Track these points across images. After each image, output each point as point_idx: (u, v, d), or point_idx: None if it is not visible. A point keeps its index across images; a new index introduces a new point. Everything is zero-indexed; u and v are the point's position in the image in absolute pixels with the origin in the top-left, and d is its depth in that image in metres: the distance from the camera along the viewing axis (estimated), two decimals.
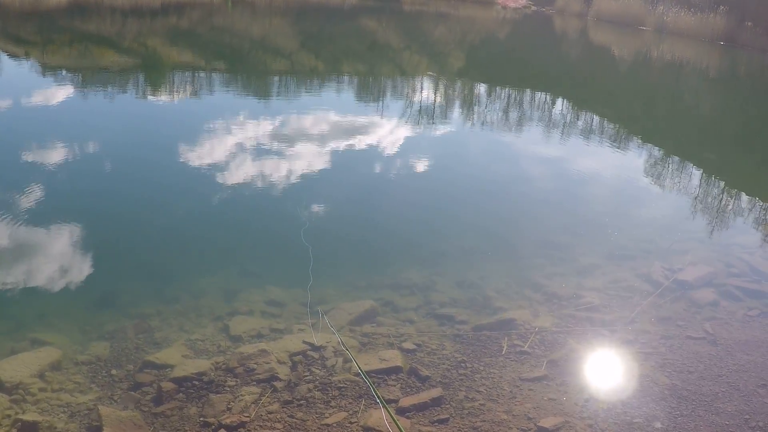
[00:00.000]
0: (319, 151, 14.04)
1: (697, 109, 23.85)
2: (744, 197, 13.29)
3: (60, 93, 18.56)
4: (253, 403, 5.82)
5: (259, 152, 13.66)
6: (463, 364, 6.61)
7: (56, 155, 12.61)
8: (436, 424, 5.64)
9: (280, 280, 8.43)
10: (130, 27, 33.86)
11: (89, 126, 15.34)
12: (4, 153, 12.78)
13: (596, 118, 20.92)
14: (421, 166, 13.94)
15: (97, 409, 5.61)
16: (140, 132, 15.20)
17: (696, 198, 12.84)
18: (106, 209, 10.48)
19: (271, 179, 12.13)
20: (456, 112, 20.88)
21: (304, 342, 6.82)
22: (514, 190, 12.88)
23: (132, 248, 9.30)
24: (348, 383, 6.17)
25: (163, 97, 19.70)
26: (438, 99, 22.83)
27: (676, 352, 7.02)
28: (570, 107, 23.12)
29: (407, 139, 16.18)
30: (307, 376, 6.29)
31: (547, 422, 5.66)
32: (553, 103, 23.61)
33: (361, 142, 15.20)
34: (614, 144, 17.45)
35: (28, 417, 5.47)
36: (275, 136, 15.07)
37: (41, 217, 9.77)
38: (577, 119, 21.04)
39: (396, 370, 6.41)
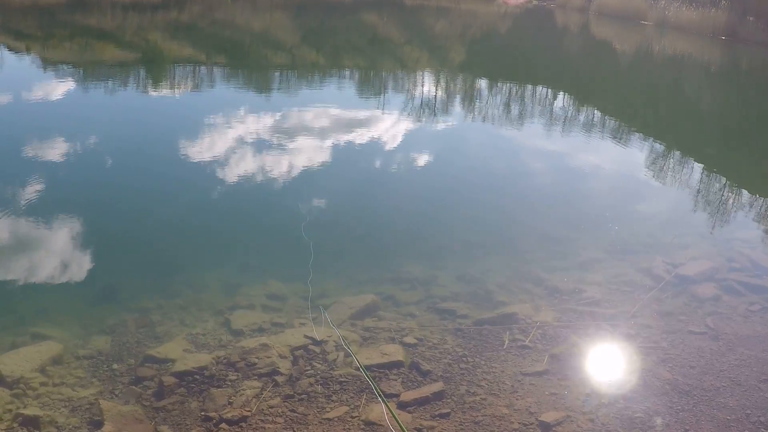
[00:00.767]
0: (320, 146, 14.03)
1: (698, 104, 23.82)
2: (745, 192, 13.26)
3: (61, 87, 18.56)
4: (254, 397, 5.81)
5: (260, 146, 13.66)
6: (464, 359, 6.60)
7: (57, 150, 12.61)
8: (438, 418, 5.63)
9: (281, 274, 8.43)
10: (130, 21, 33.83)
11: (90, 120, 15.34)
12: (5, 147, 12.79)
13: (597, 113, 20.90)
14: (421, 160, 13.94)
15: (98, 403, 5.61)
16: (141, 126, 15.20)
17: (697, 193, 12.82)
18: (107, 203, 10.49)
19: (272, 173, 12.13)
20: (457, 106, 20.86)
21: (306, 336, 6.81)
22: (516, 185, 12.87)
23: (133, 242, 9.29)
24: (349, 378, 6.16)
25: (164, 92, 19.69)
26: (439, 93, 22.80)
27: (678, 347, 7.01)
28: (571, 102, 23.10)
29: (408, 133, 16.17)
30: (308, 370, 6.28)
31: (548, 417, 5.65)
32: (555, 97, 23.59)
33: (362, 137, 15.19)
34: (615, 138, 17.43)
35: (30, 411, 5.47)
36: (276, 130, 15.06)
37: (42, 211, 9.78)
38: (579, 114, 21.01)
39: (397, 364, 6.40)
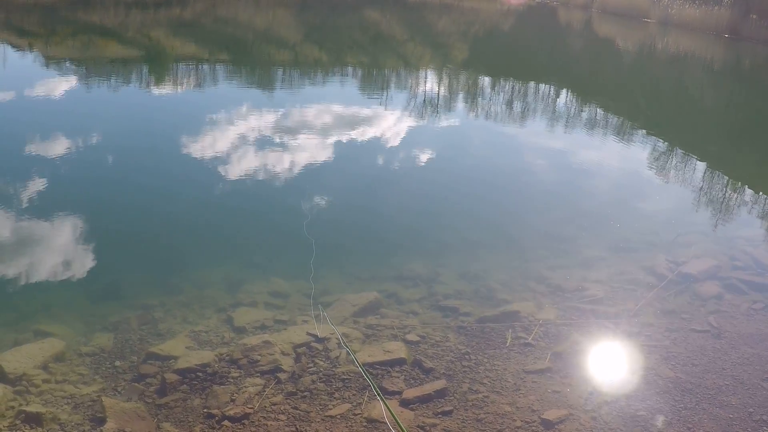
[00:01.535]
0: (322, 143, 14.03)
1: (701, 102, 23.79)
2: (748, 190, 13.25)
3: (63, 84, 18.58)
4: (256, 394, 5.82)
5: (263, 144, 13.67)
6: (466, 356, 6.60)
7: (60, 146, 12.62)
8: (440, 416, 5.63)
9: (284, 271, 8.44)
10: (133, 18, 33.84)
11: (93, 117, 15.36)
12: (8, 144, 12.82)
13: (600, 111, 20.86)
14: (424, 157, 13.94)
15: (100, 400, 5.61)
16: (144, 123, 15.22)
17: (700, 191, 12.80)
18: (110, 200, 10.51)
19: (275, 171, 12.14)
20: (460, 103, 20.85)
21: (308, 334, 6.82)
22: (518, 182, 12.87)
23: (136, 240, 9.31)
24: (351, 375, 6.16)
25: (167, 89, 19.71)
26: (442, 91, 22.79)
27: (680, 345, 7.01)
28: (574, 99, 23.08)
29: (411, 130, 16.17)
30: (310, 367, 6.29)
31: (550, 414, 5.65)
32: (557, 95, 23.57)
33: (364, 134, 15.19)
34: (618, 136, 17.41)
35: (32, 408, 5.48)
36: (279, 127, 15.07)
37: (45, 208, 9.80)
38: (582, 111, 20.99)
39: (400, 361, 6.40)
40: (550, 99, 22.73)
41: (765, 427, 5.66)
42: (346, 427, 5.42)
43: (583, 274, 8.72)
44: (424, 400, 5.84)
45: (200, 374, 6.10)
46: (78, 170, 11.72)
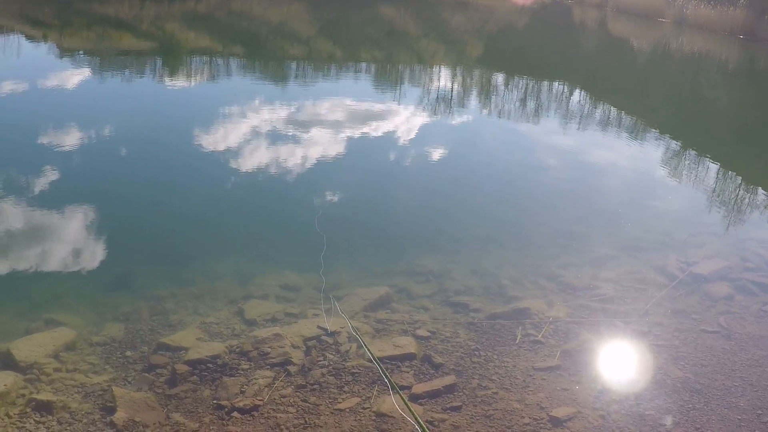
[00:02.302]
0: (335, 138, 14.05)
1: (715, 103, 23.68)
2: (761, 192, 13.20)
3: (77, 76, 18.65)
4: (266, 386, 5.85)
5: (276, 138, 13.69)
6: (476, 353, 6.61)
7: (73, 138, 12.68)
8: (449, 411, 5.65)
9: (295, 265, 8.46)
10: (147, 11, 33.92)
11: (106, 109, 15.43)
12: (22, 135, 12.88)
13: (614, 110, 20.81)
14: (437, 154, 13.93)
15: (111, 390, 5.65)
16: (157, 115, 15.28)
17: (712, 191, 12.77)
18: (122, 192, 10.56)
19: (287, 165, 12.16)
20: (473, 100, 20.82)
21: (319, 327, 6.84)
22: (530, 180, 12.84)
23: (148, 231, 9.36)
24: (361, 369, 6.18)
25: (181, 82, 19.77)
26: (455, 87, 22.77)
27: (690, 346, 7.00)
28: (587, 98, 23.01)
29: (423, 126, 16.17)
30: (320, 360, 6.31)
31: (559, 412, 5.66)
32: (571, 93, 23.51)
33: (377, 130, 15.20)
34: (631, 136, 17.36)
35: (43, 396, 5.52)
36: (291, 122, 15.09)
37: (58, 198, 9.85)
38: (595, 110, 20.93)
39: (409, 356, 6.42)
40: (563, 97, 22.67)
41: None
42: (356, 420, 5.44)
43: (594, 272, 8.71)
44: (434, 395, 5.86)
45: (210, 366, 6.12)
46: (91, 161, 11.78)
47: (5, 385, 5.54)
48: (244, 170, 11.77)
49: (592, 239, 9.87)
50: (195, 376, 5.98)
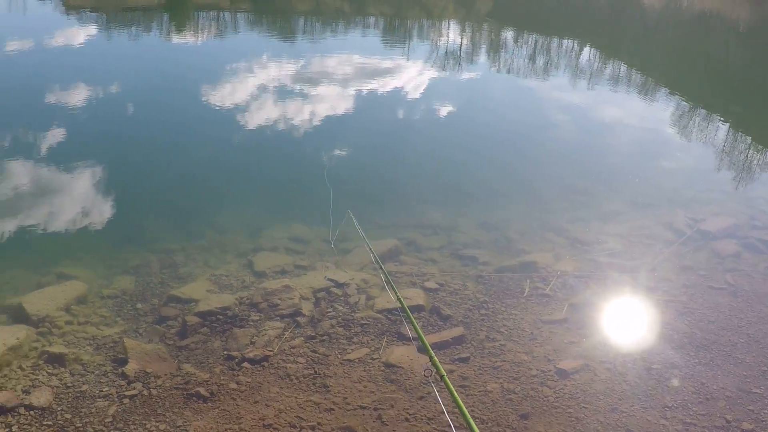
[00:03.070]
0: (343, 94, 14.00)
1: (725, 62, 23.48)
2: None
3: (83, 33, 18.55)
4: (276, 337, 5.90)
5: (283, 94, 13.65)
6: (484, 305, 6.65)
7: (81, 96, 12.65)
8: (457, 362, 5.70)
9: (304, 218, 8.48)
10: None
11: (113, 67, 15.37)
12: (30, 95, 12.84)
13: (624, 67, 20.66)
14: (445, 109, 13.89)
15: (122, 341, 5.71)
16: (164, 73, 15.22)
17: (722, 150, 12.72)
18: (131, 148, 10.54)
19: (296, 120, 12.14)
20: (482, 56, 20.70)
21: (328, 279, 6.88)
22: (539, 136, 12.79)
23: (157, 186, 9.37)
24: (370, 320, 6.23)
25: (187, 38, 19.66)
26: (464, 43, 22.61)
27: (697, 301, 7.02)
28: (597, 55, 22.84)
29: (432, 82, 16.10)
30: (329, 312, 6.36)
31: (566, 364, 5.70)
32: (581, 50, 23.33)
33: (385, 85, 15.14)
34: (641, 93, 17.26)
35: (55, 349, 5.58)
36: (299, 77, 15.03)
37: (67, 155, 9.85)
38: (604, 67, 20.78)
39: (418, 308, 6.46)
40: (573, 54, 22.50)
41: None
42: (364, 371, 5.50)
43: (602, 227, 8.72)
44: (442, 346, 5.91)
45: (221, 317, 6.17)
46: (100, 118, 11.75)
47: (18, 339, 5.59)
48: (252, 126, 11.75)
49: (601, 194, 9.87)
50: (205, 328, 6.03)
